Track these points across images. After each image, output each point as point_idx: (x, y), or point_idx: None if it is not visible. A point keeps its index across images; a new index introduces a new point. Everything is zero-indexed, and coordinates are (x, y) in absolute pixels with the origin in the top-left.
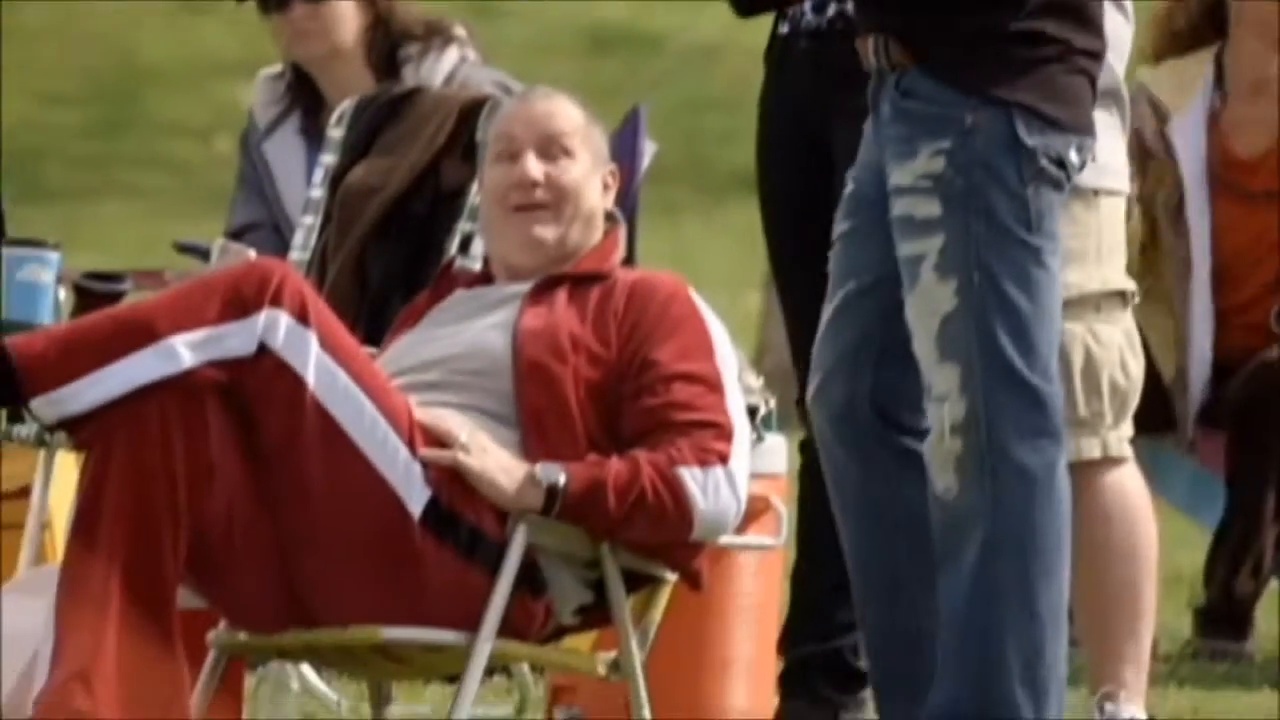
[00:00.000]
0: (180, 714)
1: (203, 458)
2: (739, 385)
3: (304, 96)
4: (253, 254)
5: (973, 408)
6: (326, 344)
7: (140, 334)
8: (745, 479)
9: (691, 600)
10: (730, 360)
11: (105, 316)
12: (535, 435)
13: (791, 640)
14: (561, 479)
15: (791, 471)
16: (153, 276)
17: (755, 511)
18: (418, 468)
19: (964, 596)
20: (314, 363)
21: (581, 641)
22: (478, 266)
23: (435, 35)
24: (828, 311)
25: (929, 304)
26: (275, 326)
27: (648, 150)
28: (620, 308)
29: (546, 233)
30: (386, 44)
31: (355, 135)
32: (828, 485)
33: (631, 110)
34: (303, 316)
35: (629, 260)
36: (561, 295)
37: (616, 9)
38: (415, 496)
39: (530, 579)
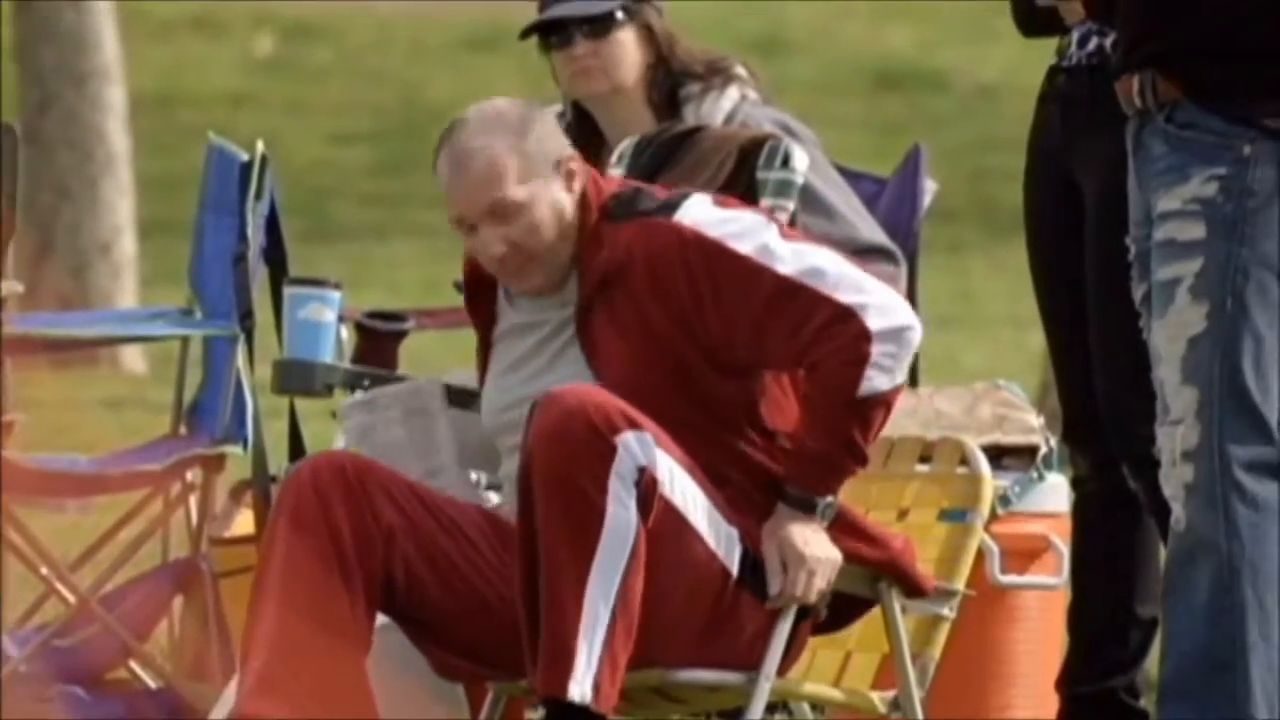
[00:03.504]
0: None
1: (368, 521)
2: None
3: (584, 135)
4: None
5: (1206, 434)
6: (660, 441)
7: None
8: (887, 300)
9: (973, 640)
10: (759, 231)
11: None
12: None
13: (1068, 680)
14: (818, 502)
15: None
16: (435, 316)
17: (1035, 550)
18: (735, 531)
19: (1200, 626)
20: (660, 460)
21: (861, 679)
22: None
23: (716, 74)
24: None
25: (1179, 326)
26: (630, 445)
27: (928, 189)
28: (658, 294)
29: (533, 281)
30: (668, 83)
31: (635, 174)
32: None
33: (912, 149)
34: (635, 423)
35: (909, 301)
36: (602, 320)
37: (902, 47)
38: (734, 557)
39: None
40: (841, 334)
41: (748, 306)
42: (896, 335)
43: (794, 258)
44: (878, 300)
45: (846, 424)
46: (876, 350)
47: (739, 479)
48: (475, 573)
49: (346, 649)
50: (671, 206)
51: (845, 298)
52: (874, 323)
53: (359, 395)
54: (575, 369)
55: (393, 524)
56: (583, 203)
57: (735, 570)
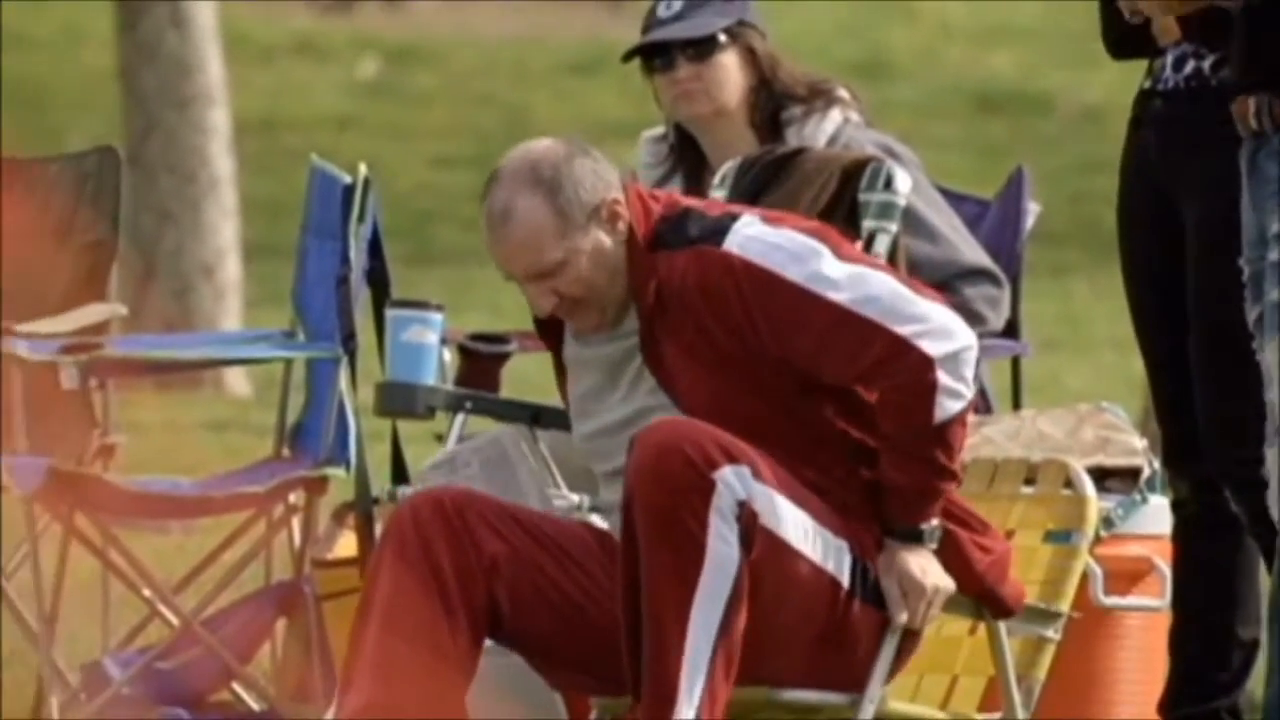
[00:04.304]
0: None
1: (469, 554)
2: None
3: (687, 157)
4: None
5: None
6: (758, 472)
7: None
8: (943, 321)
9: (1077, 662)
10: (810, 256)
11: None
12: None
13: (1171, 702)
14: (924, 530)
15: None
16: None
17: (1139, 572)
18: (844, 543)
19: None
20: (759, 492)
21: (968, 703)
22: None
23: (818, 97)
24: None
25: None
26: (728, 480)
27: (1031, 211)
28: (717, 319)
29: (590, 321)
30: (770, 105)
31: (738, 196)
32: None
33: (1014, 171)
34: (732, 456)
35: (1012, 323)
36: (670, 349)
37: (1005, 70)
38: (845, 569)
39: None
40: (903, 369)
41: (802, 335)
42: (956, 358)
43: (848, 283)
44: (933, 324)
45: (929, 452)
46: (941, 377)
47: (835, 486)
48: (581, 593)
49: (448, 673)
50: (721, 231)
51: (901, 328)
52: (932, 349)
53: (437, 456)
54: (654, 398)
55: (495, 554)
56: (630, 236)
57: (846, 581)
